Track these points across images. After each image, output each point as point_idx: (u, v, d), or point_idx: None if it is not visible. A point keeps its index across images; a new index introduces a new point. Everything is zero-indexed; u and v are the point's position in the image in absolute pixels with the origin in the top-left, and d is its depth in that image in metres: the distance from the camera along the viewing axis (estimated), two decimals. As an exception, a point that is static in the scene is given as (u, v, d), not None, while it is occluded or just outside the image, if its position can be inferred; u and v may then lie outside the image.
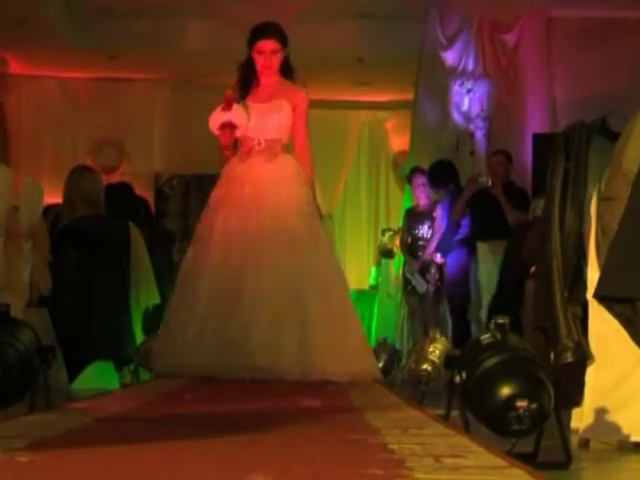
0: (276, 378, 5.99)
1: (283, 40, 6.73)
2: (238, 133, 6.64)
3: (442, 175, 9.79)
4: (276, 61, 6.75)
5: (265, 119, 6.72)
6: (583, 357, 3.91)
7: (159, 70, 12.51)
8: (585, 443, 3.78)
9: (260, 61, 6.72)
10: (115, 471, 2.59)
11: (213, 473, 2.46)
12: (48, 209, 7.67)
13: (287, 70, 6.85)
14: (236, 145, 6.80)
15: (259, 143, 6.70)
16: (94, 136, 13.58)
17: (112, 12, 11.14)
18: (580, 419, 3.89)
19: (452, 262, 9.65)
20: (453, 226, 9.63)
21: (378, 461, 2.62)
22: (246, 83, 6.83)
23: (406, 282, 9.95)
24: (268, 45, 6.68)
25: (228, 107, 6.54)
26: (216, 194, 6.80)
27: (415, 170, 10.12)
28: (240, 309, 6.32)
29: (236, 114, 6.56)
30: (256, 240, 6.50)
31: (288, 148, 6.91)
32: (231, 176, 6.77)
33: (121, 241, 7.30)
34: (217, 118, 6.58)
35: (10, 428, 3.45)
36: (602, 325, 3.73)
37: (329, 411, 4.36)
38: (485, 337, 3.58)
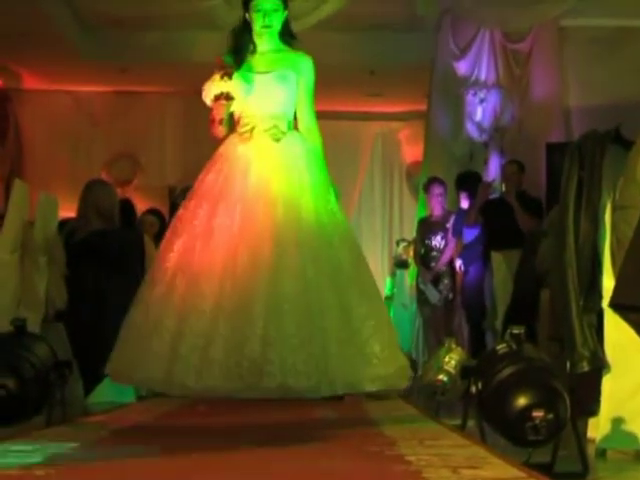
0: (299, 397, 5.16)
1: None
2: (234, 107, 5.69)
3: (467, 179, 9.86)
4: (276, 20, 5.77)
5: (268, 91, 5.72)
6: (599, 366, 3.91)
7: (171, 83, 12.55)
8: (602, 453, 3.77)
9: (258, 21, 5.74)
10: (132, 478, 2.60)
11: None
12: (63, 223, 7.69)
13: (288, 35, 5.89)
14: (231, 121, 5.78)
15: (262, 120, 5.70)
16: (108, 149, 13.63)
17: (123, 25, 11.16)
18: (597, 429, 3.88)
19: (472, 272, 9.67)
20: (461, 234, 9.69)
21: (395, 473, 2.62)
22: (240, 50, 5.82)
23: (419, 293, 9.95)
24: (268, 2, 5.71)
25: (228, 76, 5.61)
26: (211, 178, 5.71)
27: (433, 180, 10.11)
28: (252, 320, 5.26)
29: (235, 85, 5.63)
30: (267, 239, 5.42)
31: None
32: (230, 158, 5.75)
33: (135, 255, 7.31)
34: (213, 88, 5.64)
35: (27, 442, 3.46)
36: (618, 334, 3.73)
37: (345, 422, 4.37)
38: (501, 347, 3.58)
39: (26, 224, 6.58)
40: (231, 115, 5.72)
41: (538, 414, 3.24)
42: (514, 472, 2.71)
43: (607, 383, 3.88)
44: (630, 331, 3.54)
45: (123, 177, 13.49)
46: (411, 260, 10.76)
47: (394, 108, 13.77)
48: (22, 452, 3.16)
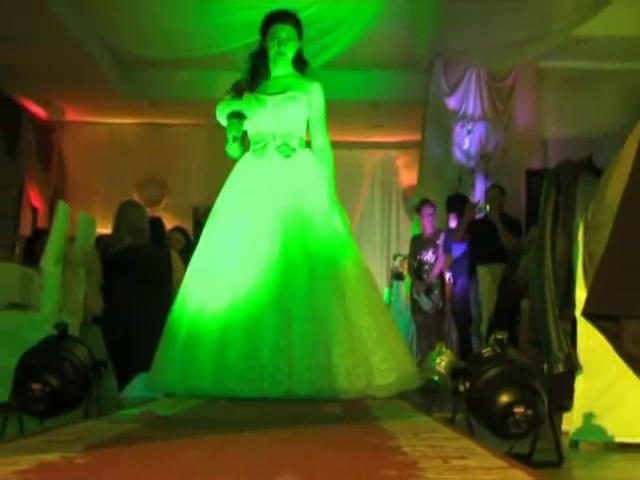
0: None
1: (299, 29, 5.66)
2: (246, 125, 5.53)
3: (455, 201, 9.89)
4: (291, 49, 5.65)
5: (280, 111, 5.57)
6: (573, 368, 3.90)
7: (196, 115, 12.55)
8: (575, 444, 3.76)
9: (274, 49, 5.62)
10: (161, 470, 2.59)
11: (248, 472, 2.46)
12: (100, 239, 7.70)
13: (301, 63, 5.75)
14: (243, 139, 5.62)
15: (274, 137, 5.57)
16: (139, 174, 13.66)
17: (155, 65, 11.20)
18: (570, 423, 3.87)
19: (460, 283, 9.67)
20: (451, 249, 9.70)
21: (393, 463, 2.61)
22: (256, 73, 5.70)
23: (413, 302, 9.95)
24: (284, 31, 5.59)
25: (238, 95, 5.47)
26: (228, 196, 5.60)
27: (424, 201, 10.13)
28: (263, 328, 5.16)
29: (246, 104, 5.47)
30: (277, 252, 5.32)
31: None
32: (245, 176, 5.61)
33: (163, 267, 7.31)
34: (225, 107, 5.49)
35: (68, 433, 3.45)
36: (589, 339, 3.72)
37: (349, 417, 4.35)
38: (486, 351, 3.57)
39: (67, 240, 6.59)
40: (244, 133, 5.58)
41: (519, 410, 3.23)
42: (497, 462, 2.70)
43: (580, 383, 3.87)
44: (600, 337, 3.53)
45: (153, 198, 13.52)
46: (406, 273, 10.75)
47: (392, 138, 13.79)
48: (64, 442, 3.15)
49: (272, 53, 5.65)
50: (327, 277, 5.29)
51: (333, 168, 5.69)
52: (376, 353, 5.22)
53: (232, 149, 5.60)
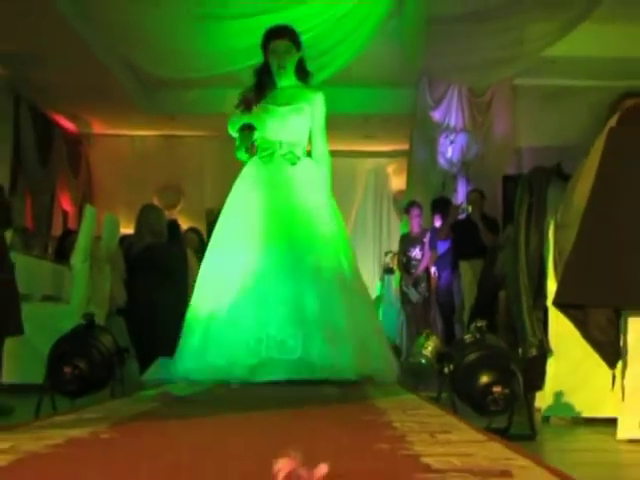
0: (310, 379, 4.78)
1: (295, 41, 5.53)
2: (256, 135, 5.43)
3: (440, 203, 9.89)
4: (289, 61, 5.51)
5: (285, 121, 5.47)
6: (544, 352, 3.90)
7: (208, 128, 12.57)
8: (546, 419, 3.77)
9: (274, 61, 5.50)
10: (179, 444, 2.60)
11: (260, 446, 2.47)
12: (123, 238, 7.71)
13: (303, 73, 5.61)
14: (253, 147, 5.50)
15: (280, 146, 5.45)
16: (158, 181, 13.64)
17: (171, 84, 11.21)
18: (542, 400, 3.88)
19: (444, 277, 9.68)
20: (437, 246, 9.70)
21: (385, 437, 2.61)
22: (262, 86, 5.57)
23: (402, 294, 9.95)
24: (281, 45, 5.47)
25: (248, 109, 5.40)
26: (237, 197, 5.52)
27: (412, 203, 10.13)
28: (274, 306, 5.00)
29: (255, 117, 5.39)
30: (285, 246, 5.19)
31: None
32: (252, 179, 5.50)
33: (180, 264, 7.30)
34: (236, 120, 5.43)
35: (95, 411, 3.46)
36: (559, 326, 3.73)
37: (346, 397, 4.35)
38: (467, 337, 3.57)
39: (94, 239, 6.60)
40: (253, 142, 5.47)
41: (497, 389, 3.23)
42: (478, 435, 2.71)
43: (551, 365, 3.87)
44: (569, 324, 3.53)
45: (170, 202, 13.50)
46: (396, 267, 10.75)
47: (383, 147, 13.78)
48: (91, 419, 3.16)
49: (274, 67, 5.53)
50: (330, 269, 5.18)
51: (331, 173, 5.60)
52: (374, 342, 5.12)
53: (242, 154, 5.50)
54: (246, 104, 5.40)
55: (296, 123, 5.48)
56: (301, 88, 5.58)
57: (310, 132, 5.55)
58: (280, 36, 5.49)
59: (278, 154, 5.45)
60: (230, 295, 5.11)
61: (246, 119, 5.37)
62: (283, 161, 5.43)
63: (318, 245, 5.24)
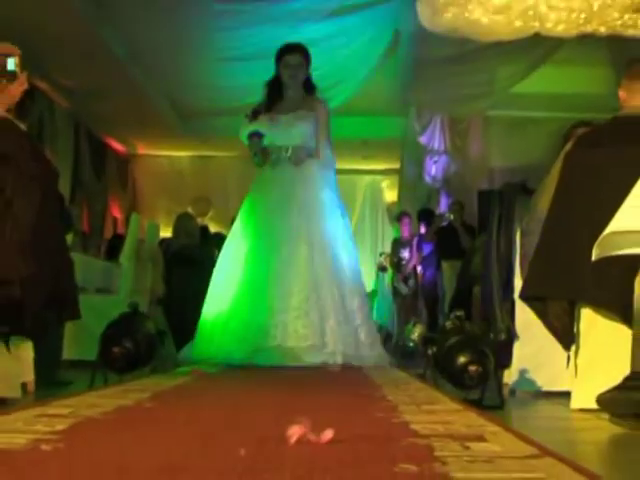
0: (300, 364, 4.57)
1: (307, 58, 5.28)
2: (265, 141, 5.20)
3: (425, 213, 9.89)
4: (301, 75, 5.26)
5: (291, 128, 5.22)
6: (511, 336, 3.90)
7: (233, 150, 12.55)
8: (513, 393, 3.76)
9: (287, 74, 5.24)
10: (209, 411, 2.60)
11: (273, 414, 2.47)
12: (162, 240, 7.72)
13: (310, 86, 5.35)
14: (265, 152, 5.25)
15: (286, 150, 5.21)
16: (192, 193, 13.62)
17: (203, 113, 11.22)
18: (510, 377, 3.87)
19: (428, 274, 9.67)
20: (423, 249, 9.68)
21: (380, 407, 2.61)
22: (273, 96, 5.30)
23: (394, 288, 9.95)
24: (294, 59, 5.23)
25: (255, 118, 5.22)
26: (250, 199, 5.33)
27: (402, 213, 10.19)
28: (265, 298, 4.82)
29: (262, 125, 5.19)
30: (285, 239, 4.98)
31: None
32: (262, 182, 5.29)
33: (209, 262, 7.30)
34: (245, 129, 5.24)
35: (139, 385, 3.46)
36: (524, 315, 3.72)
37: (346, 375, 4.35)
38: (448, 324, 3.57)
39: (139, 241, 6.61)
40: (264, 148, 5.23)
41: (472, 368, 3.23)
42: (456, 406, 2.70)
43: (517, 347, 3.87)
44: (532, 313, 3.52)
45: (201, 211, 13.47)
46: (389, 266, 10.74)
47: (379, 166, 13.78)
48: (136, 391, 3.16)
49: (285, 78, 5.26)
50: (324, 262, 4.96)
51: (335, 173, 5.38)
52: (362, 331, 4.94)
53: (257, 161, 5.30)
54: (253, 114, 5.23)
55: (301, 129, 5.23)
56: (306, 98, 5.33)
57: (316, 137, 5.29)
58: (293, 51, 5.27)
59: (285, 157, 5.20)
60: (234, 289, 4.98)
61: (254, 127, 5.18)
62: (289, 164, 5.19)
63: (315, 237, 5.00)
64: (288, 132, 5.22)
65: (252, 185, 5.39)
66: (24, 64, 2.80)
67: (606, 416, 2.67)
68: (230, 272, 5.13)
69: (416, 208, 10.35)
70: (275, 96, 5.31)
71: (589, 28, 7.53)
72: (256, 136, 5.15)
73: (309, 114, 5.24)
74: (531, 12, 7.41)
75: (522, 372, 3.75)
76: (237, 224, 5.31)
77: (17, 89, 2.77)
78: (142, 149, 13.51)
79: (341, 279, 4.99)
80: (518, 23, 7.52)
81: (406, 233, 10.02)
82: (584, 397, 3.05)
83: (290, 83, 5.28)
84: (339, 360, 4.68)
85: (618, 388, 2.54)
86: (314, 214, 5.08)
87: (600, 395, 2.57)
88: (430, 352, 3.53)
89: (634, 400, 2.46)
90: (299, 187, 5.15)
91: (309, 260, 4.91)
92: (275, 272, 4.88)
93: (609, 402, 2.54)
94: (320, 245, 5.00)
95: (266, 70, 5.50)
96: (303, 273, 4.86)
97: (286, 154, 5.20)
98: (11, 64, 2.71)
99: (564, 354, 3.33)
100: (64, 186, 10.80)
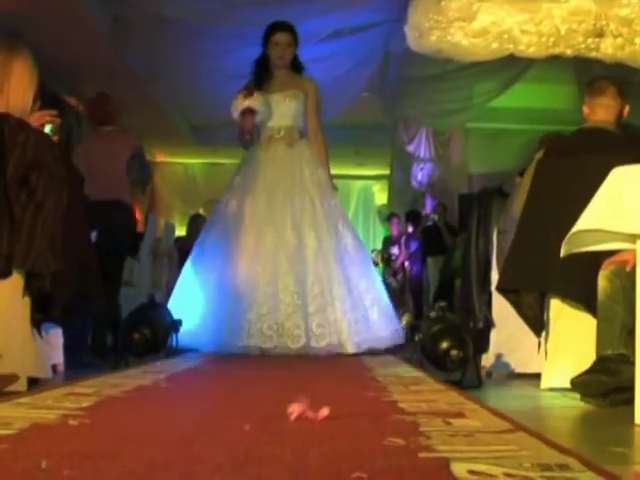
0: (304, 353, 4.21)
1: (295, 36, 4.70)
2: (258, 118, 4.58)
3: (412, 214, 9.90)
4: (289, 53, 4.68)
5: (281, 108, 4.66)
6: (489, 324, 3.90)
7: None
8: (489, 374, 3.76)
9: (275, 52, 4.66)
10: (219, 390, 2.60)
11: (274, 394, 2.47)
12: (178, 239, 7.73)
13: (297, 65, 4.77)
14: (256, 131, 4.66)
15: (278, 131, 4.67)
16: (203, 196, 13.59)
17: (213, 125, 11.22)
18: (487, 360, 3.87)
19: (415, 269, 9.68)
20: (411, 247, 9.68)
21: (371, 387, 2.61)
22: (259, 75, 4.70)
23: (384, 281, 9.95)
24: (283, 37, 4.64)
25: (249, 94, 4.55)
26: (240, 179, 4.74)
27: (392, 214, 10.22)
28: (281, 290, 4.31)
29: (256, 101, 4.55)
30: (288, 223, 4.45)
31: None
32: (254, 163, 4.69)
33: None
34: (238, 105, 4.57)
35: (156, 367, 3.46)
36: (500, 306, 3.71)
37: (342, 359, 4.34)
38: (432, 314, 3.57)
39: (156, 240, 6.60)
40: (256, 126, 4.65)
41: (454, 352, 3.23)
42: (439, 386, 2.70)
43: (493, 334, 3.86)
44: (507, 304, 3.52)
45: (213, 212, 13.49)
46: (380, 262, 10.75)
47: (370, 172, 13.78)
48: (154, 372, 3.16)
49: (273, 58, 4.71)
50: (330, 246, 4.46)
51: (326, 149, 4.80)
52: (373, 311, 4.49)
53: (244, 142, 4.74)
54: (248, 90, 4.60)
55: (291, 108, 4.70)
56: (295, 77, 4.79)
57: (306, 116, 4.76)
58: (282, 29, 4.69)
59: (276, 138, 4.68)
60: (239, 274, 4.40)
61: (248, 103, 4.56)
62: (281, 144, 4.68)
63: (316, 221, 4.49)
64: (280, 112, 4.68)
65: (240, 166, 4.82)
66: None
67: (572, 395, 2.67)
68: (219, 257, 4.51)
69: (404, 210, 10.35)
70: (264, 75, 4.73)
71: (557, 50, 7.64)
72: (249, 112, 4.55)
73: (299, 93, 4.72)
74: (506, 36, 7.49)
75: (498, 356, 3.75)
76: (223, 205, 4.71)
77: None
78: (160, 157, 13.50)
79: (345, 266, 4.47)
80: (495, 45, 7.60)
81: (395, 232, 10.03)
82: (553, 378, 3.06)
83: (278, 62, 4.71)
84: (350, 350, 4.30)
85: (588, 372, 2.55)
86: (314, 195, 4.57)
87: (573, 378, 2.59)
88: (416, 339, 3.53)
89: (601, 381, 2.48)
90: (295, 168, 4.61)
91: (316, 245, 4.41)
92: (285, 268, 4.34)
93: (580, 384, 2.55)
94: (322, 227, 4.49)
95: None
96: (313, 269, 4.35)
97: (278, 135, 4.68)
98: (47, 129, 2.80)
99: (535, 340, 3.33)
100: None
